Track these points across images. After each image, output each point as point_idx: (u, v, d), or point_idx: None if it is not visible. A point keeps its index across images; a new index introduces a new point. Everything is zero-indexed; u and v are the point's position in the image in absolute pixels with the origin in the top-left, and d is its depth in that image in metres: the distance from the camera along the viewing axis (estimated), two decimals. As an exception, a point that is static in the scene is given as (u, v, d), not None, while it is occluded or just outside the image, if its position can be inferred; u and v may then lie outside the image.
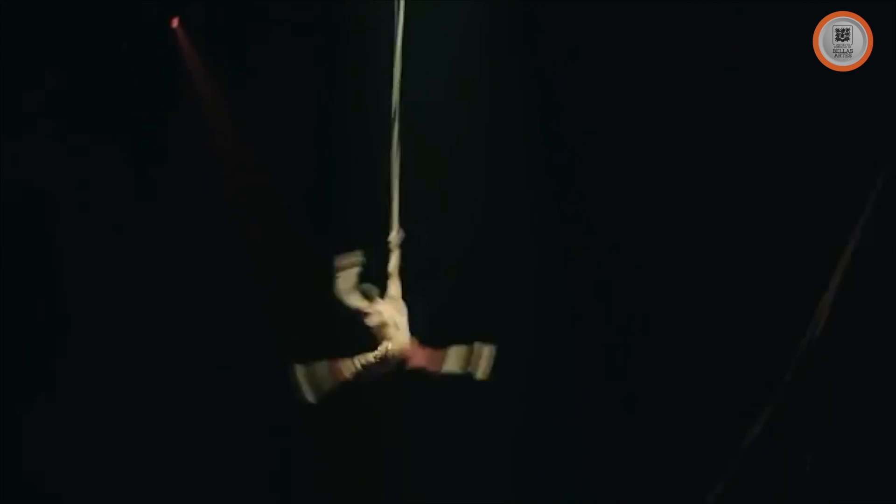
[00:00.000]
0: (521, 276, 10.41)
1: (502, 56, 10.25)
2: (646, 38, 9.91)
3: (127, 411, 10.36)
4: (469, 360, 8.05)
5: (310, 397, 8.15)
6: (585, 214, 10.29)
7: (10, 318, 10.38)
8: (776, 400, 9.63)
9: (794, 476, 9.64)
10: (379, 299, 8.22)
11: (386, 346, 8.10)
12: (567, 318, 10.39)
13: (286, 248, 10.59)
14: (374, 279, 8.30)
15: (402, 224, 8.34)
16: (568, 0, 10.03)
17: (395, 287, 8.28)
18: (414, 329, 8.25)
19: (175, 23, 10.46)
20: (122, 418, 10.35)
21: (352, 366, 8.11)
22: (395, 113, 8.43)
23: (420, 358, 8.16)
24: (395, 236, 8.30)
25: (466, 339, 8.19)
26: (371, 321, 8.18)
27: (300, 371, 8.14)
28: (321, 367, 8.14)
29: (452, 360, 8.07)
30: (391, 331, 8.14)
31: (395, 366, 8.20)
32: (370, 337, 8.12)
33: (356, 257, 8.25)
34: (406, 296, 8.27)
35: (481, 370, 8.05)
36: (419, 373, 8.24)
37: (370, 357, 8.10)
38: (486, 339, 8.11)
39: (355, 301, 8.22)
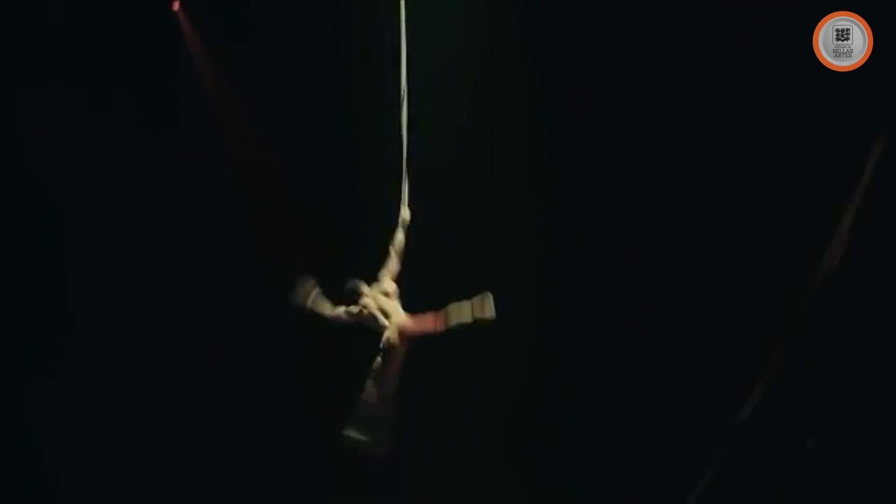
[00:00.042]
0: (523, 261, 10.38)
1: (505, 43, 10.26)
2: (648, 30, 9.94)
3: (128, 390, 10.35)
4: (470, 310, 7.99)
5: (380, 445, 8.16)
6: (588, 200, 10.29)
7: (12, 289, 10.38)
8: (775, 384, 9.66)
9: (795, 459, 9.68)
10: (365, 290, 8.20)
11: (386, 338, 8.10)
12: (569, 306, 10.38)
13: (290, 223, 10.56)
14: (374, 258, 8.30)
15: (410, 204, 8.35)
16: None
17: (394, 265, 8.26)
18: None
19: (176, 5, 10.43)
20: (123, 397, 10.35)
21: (374, 384, 8.13)
22: (403, 92, 8.44)
23: (420, 326, 8.12)
24: (404, 215, 8.30)
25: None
26: (361, 318, 8.19)
27: (355, 434, 8.13)
28: (363, 409, 8.12)
29: (455, 315, 8.01)
30: (383, 319, 8.15)
31: (405, 349, 8.16)
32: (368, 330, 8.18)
33: (308, 284, 8.27)
34: (403, 276, 8.27)
35: (486, 313, 7.96)
36: (427, 339, 8.17)
37: (380, 364, 8.12)
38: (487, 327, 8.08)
39: (336, 310, 8.25)
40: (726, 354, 9.77)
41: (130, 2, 10.36)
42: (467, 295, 8.26)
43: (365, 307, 8.16)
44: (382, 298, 8.22)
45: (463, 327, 8.05)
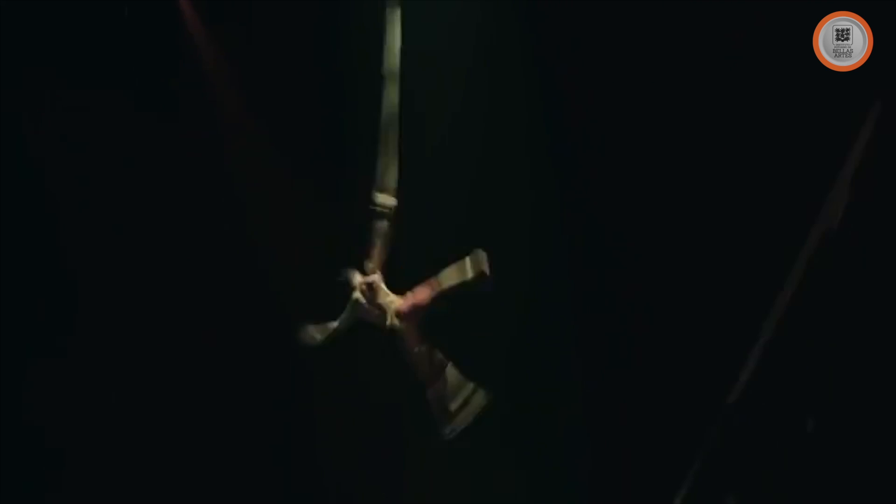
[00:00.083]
0: (519, 250, 10.26)
1: (502, 33, 10.28)
2: (645, 27, 9.98)
3: (126, 379, 10.38)
4: (463, 269, 7.94)
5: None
6: (587, 193, 10.31)
7: (10, 277, 10.39)
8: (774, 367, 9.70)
9: (796, 441, 9.72)
10: (356, 280, 8.18)
11: (388, 327, 8.06)
12: (566, 294, 10.39)
13: (290, 208, 10.56)
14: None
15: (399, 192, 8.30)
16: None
17: (379, 254, 8.22)
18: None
19: None
20: (122, 386, 10.39)
21: (424, 376, 8.05)
22: (387, 73, 8.38)
23: (416, 300, 8.09)
24: (386, 201, 8.26)
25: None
26: (360, 314, 8.20)
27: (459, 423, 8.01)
28: (438, 401, 8.05)
29: (448, 277, 7.96)
30: (377, 310, 8.14)
31: (414, 327, 8.12)
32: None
33: (304, 329, 8.23)
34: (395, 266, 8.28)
35: (481, 267, 7.88)
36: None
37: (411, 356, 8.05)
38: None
39: (338, 324, 8.24)
40: (726, 335, 9.80)
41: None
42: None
43: (357, 301, 8.16)
44: (374, 292, 8.18)
45: (459, 290, 7.96)
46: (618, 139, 10.16)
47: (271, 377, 10.56)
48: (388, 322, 8.13)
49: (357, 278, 8.24)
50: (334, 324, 8.38)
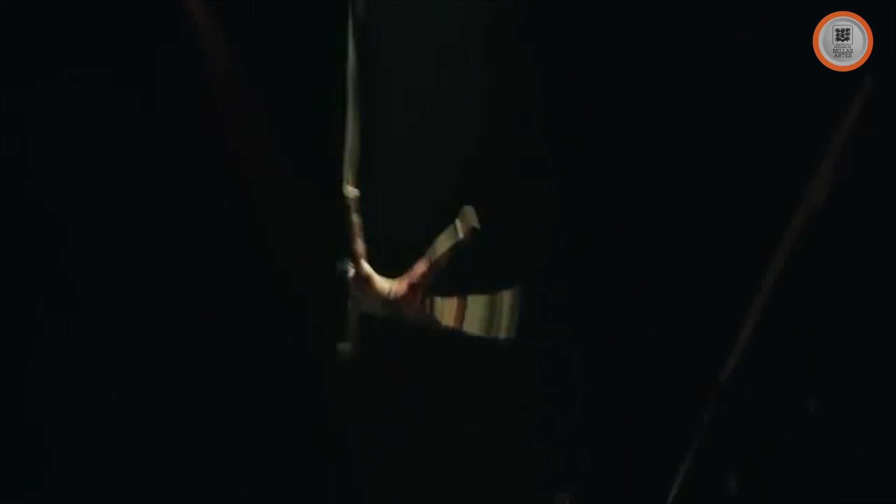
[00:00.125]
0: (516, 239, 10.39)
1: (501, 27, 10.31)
2: (646, 22, 10.03)
3: (126, 365, 10.35)
4: (455, 231, 7.85)
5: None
6: (585, 181, 10.36)
7: (11, 253, 10.37)
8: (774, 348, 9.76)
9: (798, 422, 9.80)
10: (350, 273, 8.16)
11: (390, 313, 8.02)
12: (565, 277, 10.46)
13: (287, 189, 10.57)
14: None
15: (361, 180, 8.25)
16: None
17: (359, 246, 8.20)
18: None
19: None
20: (122, 372, 10.35)
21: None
22: (351, 67, 8.35)
23: (412, 279, 8.02)
24: (350, 192, 8.23)
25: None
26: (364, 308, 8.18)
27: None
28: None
29: (442, 244, 7.88)
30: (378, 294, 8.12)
31: (417, 301, 8.06)
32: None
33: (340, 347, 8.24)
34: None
35: (471, 224, 7.82)
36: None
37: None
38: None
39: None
40: (724, 315, 9.87)
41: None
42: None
43: (356, 299, 8.14)
44: (367, 281, 8.14)
45: (455, 253, 7.87)
46: (616, 132, 10.21)
47: (271, 365, 10.56)
48: (392, 311, 8.09)
49: (350, 272, 8.20)
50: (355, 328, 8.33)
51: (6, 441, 10.21)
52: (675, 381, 10.10)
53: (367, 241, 8.30)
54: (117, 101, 10.37)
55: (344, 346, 8.28)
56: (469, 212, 7.79)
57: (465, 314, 7.94)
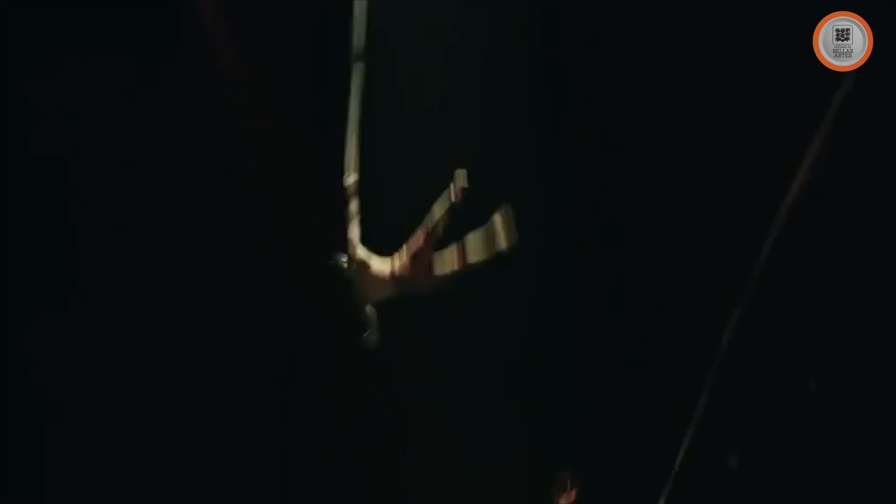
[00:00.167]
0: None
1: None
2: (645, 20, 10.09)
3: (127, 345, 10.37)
4: (448, 193, 7.81)
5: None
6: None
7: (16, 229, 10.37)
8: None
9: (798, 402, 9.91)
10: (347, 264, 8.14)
11: (394, 270, 7.97)
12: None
13: (291, 167, 10.60)
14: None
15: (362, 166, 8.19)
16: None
17: (353, 231, 8.16)
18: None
19: None
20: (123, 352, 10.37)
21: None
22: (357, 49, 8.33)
23: (411, 251, 7.98)
24: (350, 177, 8.22)
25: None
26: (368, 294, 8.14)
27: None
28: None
29: (438, 209, 7.80)
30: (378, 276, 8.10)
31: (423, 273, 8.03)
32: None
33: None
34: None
35: (465, 182, 7.73)
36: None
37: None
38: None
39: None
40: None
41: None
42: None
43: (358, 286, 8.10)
44: (365, 266, 8.10)
45: (451, 217, 7.85)
46: (620, 128, 10.34)
47: (271, 345, 10.62)
48: (402, 287, 8.05)
49: (346, 262, 8.18)
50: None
51: (8, 438, 10.24)
52: (677, 359, 10.22)
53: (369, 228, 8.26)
54: (116, 81, 10.35)
55: (369, 335, 8.21)
56: (461, 174, 7.74)
57: (466, 251, 7.86)
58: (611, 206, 10.57)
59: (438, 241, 7.97)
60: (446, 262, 7.90)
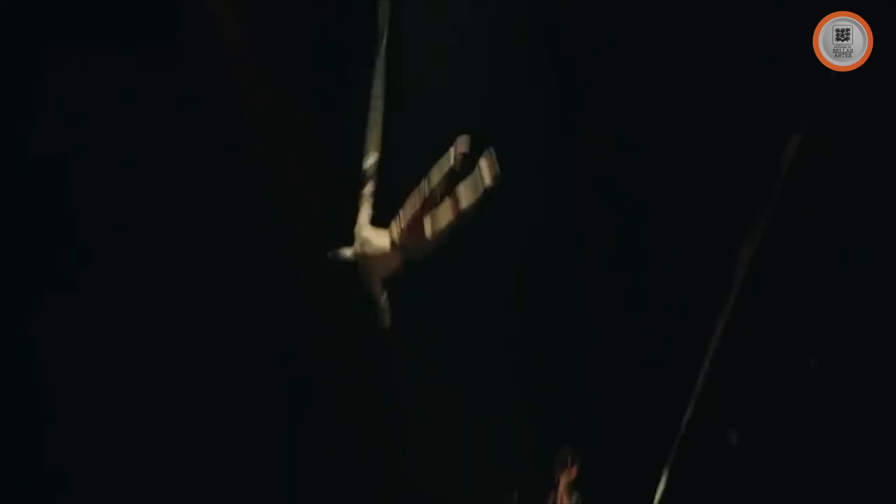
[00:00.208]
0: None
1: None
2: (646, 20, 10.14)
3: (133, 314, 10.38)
4: (448, 158, 7.74)
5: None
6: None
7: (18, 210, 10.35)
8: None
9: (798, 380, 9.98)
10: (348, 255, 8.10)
11: (395, 240, 7.93)
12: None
13: (296, 147, 10.62)
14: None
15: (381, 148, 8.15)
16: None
17: (365, 213, 8.12)
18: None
19: None
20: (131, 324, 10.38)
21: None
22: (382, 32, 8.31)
23: (407, 215, 7.92)
24: (371, 162, 8.17)
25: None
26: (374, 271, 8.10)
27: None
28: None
29: (437, 173, 7.74)
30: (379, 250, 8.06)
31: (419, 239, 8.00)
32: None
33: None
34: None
35: (465, 148, 7.67)
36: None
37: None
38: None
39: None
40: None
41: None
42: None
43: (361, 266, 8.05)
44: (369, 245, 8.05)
45: (450, 181, 7.82)
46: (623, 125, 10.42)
47: (273, 324, 10.66)
48: (406, 255, 8.00)
49: (346, 253, 8.14)
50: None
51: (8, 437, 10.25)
52: (678, 337, 10.30)
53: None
54: (121, 57, 10.33)
55: (383, 315, 8.16)
56: (463, 140, 7.68)
57: (459, 200, 7.81)
58: (613, 179, 10.60)
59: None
60: (441, 217, 7.84)
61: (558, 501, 9.96)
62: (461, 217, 7.77)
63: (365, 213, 8.11)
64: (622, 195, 10.66)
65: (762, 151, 9.72)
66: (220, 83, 10.44)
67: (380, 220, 8.11)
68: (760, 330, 10.13)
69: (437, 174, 7.75)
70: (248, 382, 10.50)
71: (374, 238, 8.02)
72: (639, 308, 10.64)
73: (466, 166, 7.66)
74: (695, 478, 10.01)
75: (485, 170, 7.63)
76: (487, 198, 7.68)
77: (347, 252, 8.10)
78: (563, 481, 9.96)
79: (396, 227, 7.95)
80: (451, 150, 7.67)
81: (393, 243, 7.95)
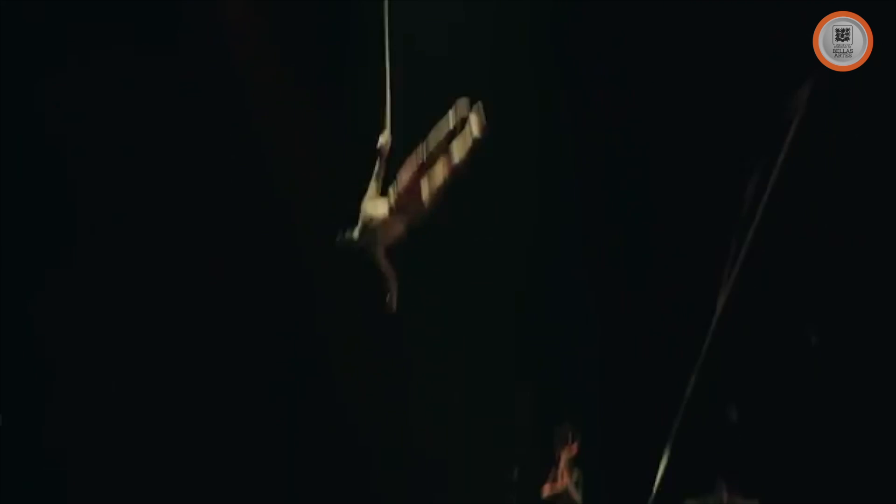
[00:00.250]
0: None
1: None
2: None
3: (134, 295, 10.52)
4: (448, 120, 7.69)
5: None
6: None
7: (19, 195, 10.44)
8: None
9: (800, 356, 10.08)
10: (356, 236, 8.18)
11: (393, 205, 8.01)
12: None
13: (299, 125, 10.69)
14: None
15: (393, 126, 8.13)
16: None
17: (374, 189, 8.20)
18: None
19: None
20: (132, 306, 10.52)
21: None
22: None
23: (404, 179, 7.99)
24: (384, 140, 8.21)
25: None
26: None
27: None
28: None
29: (436, 135, 7.69)
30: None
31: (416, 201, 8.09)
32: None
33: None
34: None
35: (466, 112, 7.65)
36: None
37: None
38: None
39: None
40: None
41: None
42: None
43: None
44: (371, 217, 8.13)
45: (448, 144, 7.87)
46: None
47: (277, 300, 10.81)
48: (406, 218, 8.05)
49: (354, 235, 8.18)
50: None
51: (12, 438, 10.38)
52: (678, 313, 10.40)
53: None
54: (124, 35, 10.37)
55: (389, 299, 8.22)
56: (463, 102, 7.70)
57: (451, 156, 7.86)
58: (616, 144, 10.64)
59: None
60: (437, 176, 7.87)
61: (559, 478, 10.07)
62: (454, 173, 7.74)
63: (374, 189, 8.19)
64: (624, 157, 10.74)
65: (764, 150, 9.68)
66: (223, 61, 10.47)
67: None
68: (762, 308, 10.21)
69: (434, 137, 7.78)
70: (253, 362, 10.65)
71: (373, 207, 8.08)
72: (639, 284, 10.74)
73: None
74: (695, 454, 10.07)
75: (473, 123, 7.62)
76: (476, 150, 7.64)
77: (355, 233, 8.19)
78: (564, 458, 10.07)
79: (394, 191, 8.01)
80: (450, 112, 7.67)
81: (391, 208, 7.96)
